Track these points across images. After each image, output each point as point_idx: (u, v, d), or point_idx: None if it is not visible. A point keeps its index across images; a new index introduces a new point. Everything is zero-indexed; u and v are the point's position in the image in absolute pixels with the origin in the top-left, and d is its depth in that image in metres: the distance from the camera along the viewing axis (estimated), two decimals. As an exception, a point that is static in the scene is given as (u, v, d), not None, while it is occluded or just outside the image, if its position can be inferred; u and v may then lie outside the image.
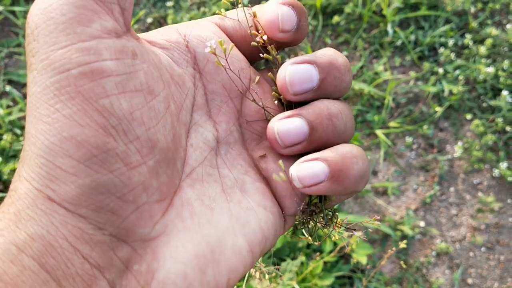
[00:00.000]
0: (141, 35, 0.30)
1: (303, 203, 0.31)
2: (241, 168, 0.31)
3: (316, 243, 0.33)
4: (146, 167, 0.24)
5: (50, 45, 0.23)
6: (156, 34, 0.30)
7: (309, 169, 0.28)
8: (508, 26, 1.63)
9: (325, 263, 1.21)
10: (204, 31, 0.31)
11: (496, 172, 1.42)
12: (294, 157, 0.31)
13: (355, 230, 0.33)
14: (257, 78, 0.32)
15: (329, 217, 0.31)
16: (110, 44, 0.24)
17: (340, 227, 0.32)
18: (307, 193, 0.29)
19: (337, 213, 0.32)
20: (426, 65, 1.57)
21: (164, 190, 0.26)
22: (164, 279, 0.24)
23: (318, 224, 0.31)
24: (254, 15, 0.31)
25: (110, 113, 0.23)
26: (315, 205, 0.31)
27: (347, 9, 1.65)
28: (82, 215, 0.22)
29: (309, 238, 0.32)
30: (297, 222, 0.32)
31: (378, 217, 0.33)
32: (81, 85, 0.22)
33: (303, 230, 0.32)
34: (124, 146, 0.23)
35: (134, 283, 0.24)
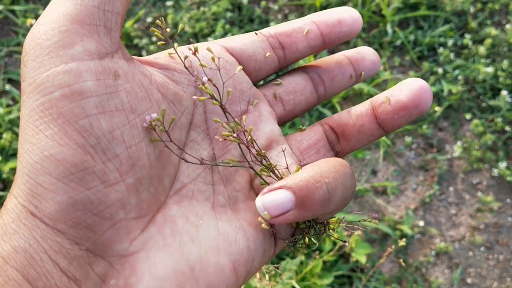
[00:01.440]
0: (148, 57, 0.31)
1: (290, 237, 0.31)
2: (236, 185, 0.31)
3: (314, 247, 0.33)
4: (124, 185, 0.25)
5: (36, 69, 0.24)
6: (161, 55, 0.31)
7: (274, 199, 0.27)
8: (507, 26, 1.64)
9: (324, 262, 1.21)
10: (205, 53, 0.32)
11: (495, 172, 1.42)
12: None
13: (353, 230, 0.34)
14: (255, 102, 0.34)
15: (321, 230, 0.31)
16: (91, 65, 0.25)
17: (334, 230, 0.32)
18: (277, 223, 0.29)
19: (329, 222, 0.32)
20: (426, 65, 1.57)
21: (144, 207, 0.26)
22: None
23: (310, 238, 0.31)
24: (195, 50, 0.31)
25: (89, 133, 0.24)
26: (304, 228, 0.31)
27: (347, 9, 1.65)
28: (61, 230, 0.23)
29: (304, 250, 0.32)
30: (289, 244, 0.32)
31: (376, 215, 0.33)
32: (62, 107, 0.24)
33: (298, 247, 0.32)
34: (102, 164, 0.24)
35: None
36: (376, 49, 1.63)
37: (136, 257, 0.25)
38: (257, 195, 0.31)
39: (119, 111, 0.25)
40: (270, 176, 0.31)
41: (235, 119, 0.30)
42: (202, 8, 1.64)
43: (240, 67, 0.32)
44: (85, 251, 0.24)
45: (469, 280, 1.29)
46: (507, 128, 1.47)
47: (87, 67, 0.24)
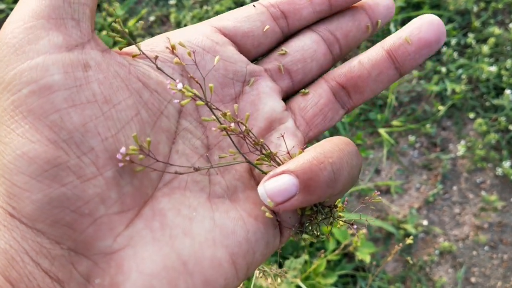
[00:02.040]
0: (129, 47, 0.30)
1: (296, 223, 0.29)
2: (235, 173, 0.30)
3: (322, 237, 0.31)
4: (102, 179, 0.24)
5: (3, 68, 0.24)
6: (143, 46, 0.30)
7: (277, 185, 0.26)
8: (510, 25, 1.63)
9: (328, 261, 1.20)
10: (194, 36, 0.31)
11: (499, 171, 1.42)
12: None
13: (354, 225, 0.32)
14: (251, 80, 0.32)
15: (329, 214, 0.30)
16: (59, 58, 0.24)
17: (341, 217, 0.30)
18: (282, 210, 0.27)
19: (336, 206, 0.31)
20: (429, 64, 1.57)
21: (127, 201, 0.25)
22: None
23: (318, 223, 0.30)
24: (173, 48, 0.29)
25: (61, 127, 0.23)
26: (311, 214, 0.30)
27: (350, 8, 1.65)
28: (40, 230, 0.23)
29: (313, 239, 0.31)
30: (296, 232, 0.30)
31: (379, 193, 0.32)
32: (31, 103, 0.23)
33: (305, 235, 0.31)
34: (76, 159, 0.23)
35: None
36: (379, 48, 1.63)
37: (122, 254, 0.24)
38: (257, 184, 0.30)
39: (91, 103, 0.24)
40: (272, 165, 0.29)
41: (226, 111, 0.28)
42: (205, 7, 1.63)
43: (218, 57, 0.30)
44: (66, 250, 0.23)
45: (473, 280, 1.29)
46: (511, 127, 1.47)
47: (53, 61, 0.24)
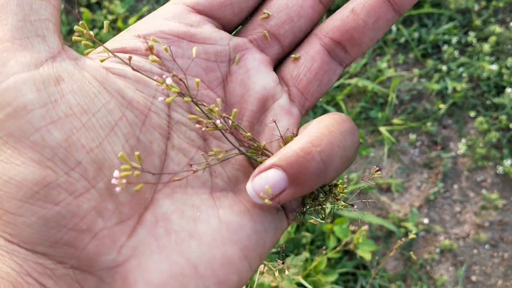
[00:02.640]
0: (98, 50, 0.28)
1: (299, 207, 0.29)
2: (235, 163, 0.29)
3: (327, 220, 0.31)
4: (95, 191, 0.23)
5: None
6: (113, 43, 0.29)
7: (265, 182, 0.25)
8: (511, 24, 1.63)
9: (329, 259, 1.20)
10: (165, 24, 0.29)
11: (500, 169, 1.42)
12: None
13: (354, 205, 0.30)
14: (236, 58, 0.30)
15: (328, 192, 0.29)
16: (29, 77, 0.23)
17: (342, 196, 0.29)
18: (275, 204, 0.26)
19: (336, 184, 0.29)
20: (430, 63, 1.57)
21: (125, 210, 0.24)
22: None
23: (320, 204, 0.29)
24: (151, 48, 0.26)
25: (43, 146, 0.22)
26: (311, 195, 0.29)
27: (351, 6, 1.65)
28: (41, 252, 0.22)
29: (319, 221, 0.30)
30: (298, 216, 0.29)
31: (379, 168, 0.30)
32: (10, 127, 0.22)
33: (309, 216, 0.30)
34: (65, 175, 0.22)
35: None
36: (380, 47, 1.63)
37: (127, 266, 0.24)
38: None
39: (69, 116, 0.23)
40: (263, 157, 0.28)
41: (212, 106, 0.26)
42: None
43: (195, 48, 0.28)
44: (70, 269, 0.23)
45: (473, 278, 1.29)
46: (512, 125, 1.47)
47: (24, 80, 0.23)
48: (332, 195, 0.29)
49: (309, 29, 0.32)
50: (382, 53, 1.62)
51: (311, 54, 0.31)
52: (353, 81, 1.52)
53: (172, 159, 0.27)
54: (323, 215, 0.30)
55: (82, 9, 1.56)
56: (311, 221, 0.30)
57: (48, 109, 0.23)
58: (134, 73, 0.27)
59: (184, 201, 0.26)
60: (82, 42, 0.26)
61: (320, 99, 1.48)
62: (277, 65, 0.32)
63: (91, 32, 0.25)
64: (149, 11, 1.65)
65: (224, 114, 0.27)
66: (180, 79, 0.26)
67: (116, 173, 0.23)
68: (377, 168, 0.30)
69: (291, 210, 0.29)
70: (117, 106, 0.25)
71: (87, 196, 0.23)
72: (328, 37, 0.31)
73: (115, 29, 1.59)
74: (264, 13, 0.31)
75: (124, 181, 0.23)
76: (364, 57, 1.60)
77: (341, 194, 0.29)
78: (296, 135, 0.29)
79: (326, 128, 0.26)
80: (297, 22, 0.31)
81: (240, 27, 0.32)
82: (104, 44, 0.27)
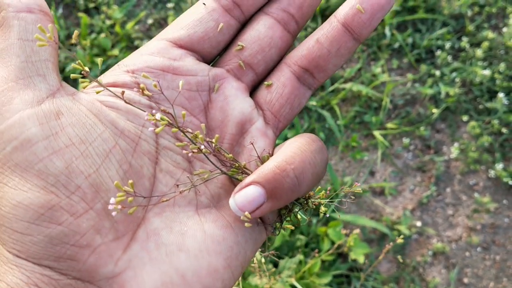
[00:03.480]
0: (95, 83, 0.30)
1: (276, 219, 0.31)
2: (217, 182, 0.32)
3: (302, 223, 0.33)
4: (93, 212, 0.26)
5: None
6: (105, 78, 0.31)
7: (245, 197, 0.28)
8: (504, 29, 1.65)
9: (323, 262, 1.22)
10: (151, 59, 0.32)
11: (492, 173, 1.43)
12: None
13: (322, 205, 0.33)
14: (216, 86, 0.33)
15: (304, 204, 0.32)
16: (32, 113, 0.26)
17: (318, 204, 0.32)
18: (254, 217, 0.29)
19: (310, 196, 0.32)
20: (423, 68, 1.59)
21: (120, 228, 0.27)
22: None
23: (296, 215, 0.32)
24: (142, 90, 0.29)
25: (47, 174, 0.25)
26: (287, 208, 0.31)
27: (346, 11, 1.67)
28: (46, 265, 0.25)
29: (292, 227, 0.32)
30: (275, 229, 0.32)
31: (358, 183, 0.33)
32: (17, 158, 0.25)
33: (286, 224, 0.32)
34: (66, 198, 0.25)
35: None
36: (374, 52, 1.65)
37: (124, 276, 0.26)
38: None
39: (68, 146, 0.26)
40: (245, 174, 0.31)
41: (196, 133, 0.29)
42: (202, 10, 1.65)
43: (182, 82, 0.30)
44: (73, 280, 0.26)
45: (465, 280, 1.30)
46: (504, 130, 1.49)
47: (28, 116, 0.26)
48: (307, 205, 0.31)
49: (279, 58, 0.35)
50: (376, 58, 1.64)
51: (282, 81, 0.34)
52: (348, 85, 1.54)
53: (161, 181, 0.30)
54: (298, 222, 0.32)
55: (80, 14, 1.57)
56: (287, 226, 0.32)
57: (50, 141, 0.26)
58: (125, 105, 0.30)
59: (172, 218, 0.29)
60: (80, 80, 0.28)
61: (315, 104, 1.49)
62: (252, 91, 0.35)
63: (87, 68, 0.28)
64: (147, 16, 1.67)
65: (207, 139, 0.30)
66: (168, 112, 0.29)
67: (112, 200, 0.26)
68: (358, 184, 0.32)
69: (269, 223, 0.31)
70: (111, 135, 0.28)
71: (86, 216, 0.26)
72: (297, 65, 0.34)
73: (113, 34, 1.60)
74: (239, 45, 0.34)
75: (119, 206, 0.26)
76: (358, 62, 1.62)
77: (316, 201, 0.32)
78: (272, 154, 0.32)
79: (298, 148, 0.29)
80: (268, 51, 0.34)
81: (218, 57, 0.35)
82: (97, 79, 0.30)
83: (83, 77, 0.28)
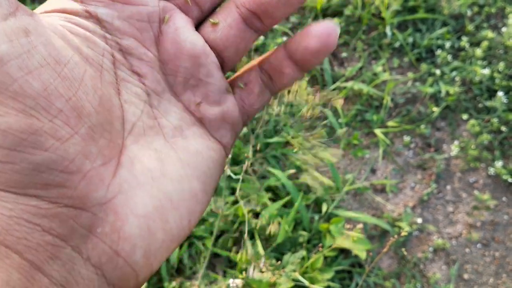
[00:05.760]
0: (42, 7, 0.29)
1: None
2: (175, 115, 0.31)
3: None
4: (79, 136, 0.24)
5: None
6: (52, 5, 0.29)
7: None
8: (503, 29, 1.67)
9: (325, 258, 1.23)
10: None
11: (491, 171, 1.45)
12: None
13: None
14: (166, 17, 0.31)
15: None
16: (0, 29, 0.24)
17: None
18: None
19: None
20: (424, 67, 1.61)
21: (106, 153, 0.26)
22: (129, 235, 0.26)
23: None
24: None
25: (24, 96, 0.23)
26: None
27: (347, 11, 1.68)
28: (33, 195, 0.23)
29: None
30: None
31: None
32: None
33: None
34: (49, 122, 0.23)
35: (101, 244, 0.25)
36: (375, 51, 1.66)
37: (116, 201, 0.26)
38: (198, 118, 0.31)
39: (44, 66, 0.24)
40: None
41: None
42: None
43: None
44: (64, 207, 0.24)
45: (466, 276, 1.32)
46: (503, 128, 1.51)
47: None
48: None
49: None
50: (377, 57, 1.66)
51: (228, 22, 0.33)
52: (349, 84, 1.55)
53: (128, 111, 0.29)
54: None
55: None
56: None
57: (23, 60, 0.23)
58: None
59: (148, 146, 0.29)
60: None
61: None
62: (196, 28, 0.34)
63: None
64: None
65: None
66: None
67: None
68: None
69: (228, 145, 0.33)
70: (80, 60, 0.26)
71: (72, 141, 0.24)
72: (245, 7, 0.32)
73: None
74: None
75: None
76: (359, 61, 1.64)
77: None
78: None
79: None
80: None
81: None
82: (41, 6, 0.28)
83: None
